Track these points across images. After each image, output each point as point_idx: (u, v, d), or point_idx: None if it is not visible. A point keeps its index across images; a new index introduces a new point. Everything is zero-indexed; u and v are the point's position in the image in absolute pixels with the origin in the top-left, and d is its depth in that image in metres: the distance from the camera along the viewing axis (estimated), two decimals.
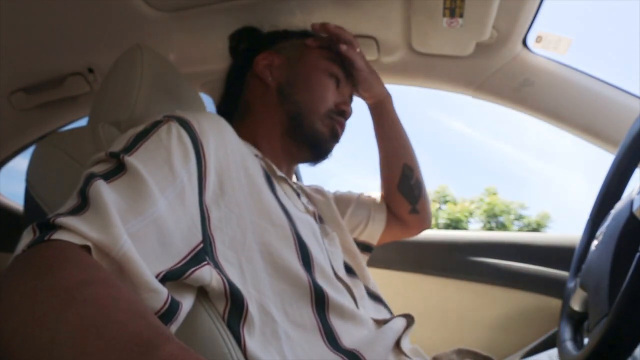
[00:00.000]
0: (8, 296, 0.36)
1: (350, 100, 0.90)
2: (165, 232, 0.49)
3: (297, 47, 0.86)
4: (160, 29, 1.06)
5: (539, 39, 1.06)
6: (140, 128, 0.57)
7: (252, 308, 0.54)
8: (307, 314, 0.59)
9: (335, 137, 0.84)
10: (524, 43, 1.08)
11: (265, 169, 0.70)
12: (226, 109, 0.87)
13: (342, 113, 0.84)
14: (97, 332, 0.32)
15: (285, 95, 0.81)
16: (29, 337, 0.33)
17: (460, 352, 0.78)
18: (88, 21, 1.04)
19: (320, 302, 0.60)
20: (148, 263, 0.46)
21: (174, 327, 0.47)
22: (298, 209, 0.72)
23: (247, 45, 0.90)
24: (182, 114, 0.59)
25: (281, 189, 0.71)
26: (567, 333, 0.69)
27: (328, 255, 0.73)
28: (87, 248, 0.42)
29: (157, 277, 0.46)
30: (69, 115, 1.34)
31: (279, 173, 0.75)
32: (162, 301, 0.45)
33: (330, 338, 0.59)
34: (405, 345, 0.70)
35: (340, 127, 0.84)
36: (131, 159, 0.50)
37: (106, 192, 0.46)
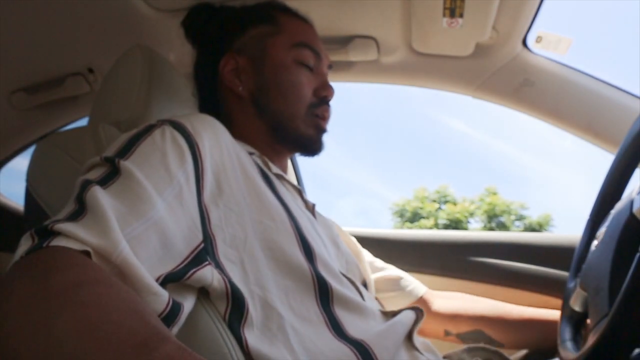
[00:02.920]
0: (6, 301, 0.36)
1: (329, 68, 0.84)
2: (167, 234, 0.49)
3: (257, 41, 0.78)
4: (160, 29, 1.05)
5: (539, 39, 1.06)
6: (133, 132, 0.57)
7: (255, 306, 0.54)
8: (312, 308, 0.59)
9: (322, 131, 0.80)
10: (524, 43, 1.08)
11: (260, 166, 0.69)
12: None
13: (324, 99, 0.79)
14: (92, 333, 0.32)
15: (261, 106, 0.77)
16: (24, 341, 0.33)
17: (471, 350, 0.78)
18: (88, 21, 1.04)
19: (324, 295, 0.60)
20: (151, 265, 0.46)
21: (175, 329, 0.47)
22: (298, 205, 0.72)
23: (208, 36, 0.83)
24: (174, 117, 0.59)
25: (280, 185, 0.71)
26: (567, 333, 0.69)
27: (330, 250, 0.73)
28: (86, 254, 0.42)
29: (158, 279, 0.46)
30: (69, 115, 1.34)
31: (275, 170, 0.74)
32: (164, 304, 0.45)
33: (337, 328, 0.59)
34: (416, 339, 0.69)
35: (325, 119, 0.80)
36: (126, 163, 0.50)
37: (103, 198, 0.45)
